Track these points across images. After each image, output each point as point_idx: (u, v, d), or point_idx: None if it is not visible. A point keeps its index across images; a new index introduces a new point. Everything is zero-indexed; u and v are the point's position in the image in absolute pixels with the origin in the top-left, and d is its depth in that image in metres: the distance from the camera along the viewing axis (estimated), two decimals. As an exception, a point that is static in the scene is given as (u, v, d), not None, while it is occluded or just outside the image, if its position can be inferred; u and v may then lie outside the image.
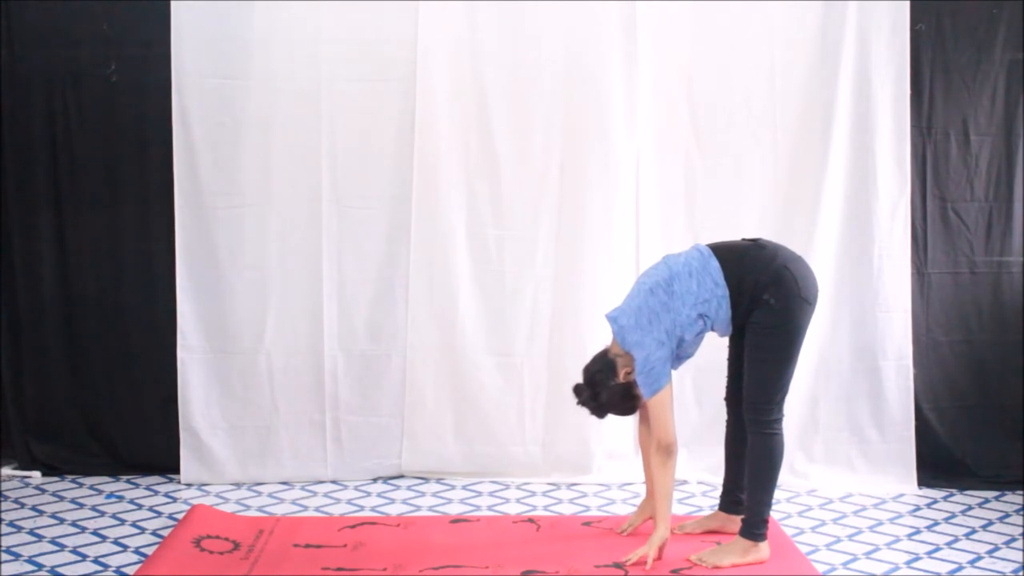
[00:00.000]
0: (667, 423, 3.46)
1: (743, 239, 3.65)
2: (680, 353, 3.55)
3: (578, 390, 3.58)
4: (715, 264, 3.48)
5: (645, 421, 3.68)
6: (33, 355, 4.68)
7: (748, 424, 3.51)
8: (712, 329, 3.55)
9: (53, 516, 4.08)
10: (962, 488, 4.46)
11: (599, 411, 3.60)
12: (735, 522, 3.61)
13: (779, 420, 3.49)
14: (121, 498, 4.32)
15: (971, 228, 4.61)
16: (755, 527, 3.49)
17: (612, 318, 3.54)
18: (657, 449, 3.47)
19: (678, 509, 4.18)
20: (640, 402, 3.58)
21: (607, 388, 3.53)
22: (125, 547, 3.74)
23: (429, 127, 4.54)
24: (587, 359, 3.64)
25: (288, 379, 4.58)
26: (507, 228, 4.60)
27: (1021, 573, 3.52)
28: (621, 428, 4.63)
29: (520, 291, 4.60)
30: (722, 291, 3.45)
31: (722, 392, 3.76)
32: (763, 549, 3.50)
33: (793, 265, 3.49)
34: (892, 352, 4.51)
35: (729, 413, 3.72)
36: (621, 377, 3.52)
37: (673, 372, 3.55)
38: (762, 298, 3.43)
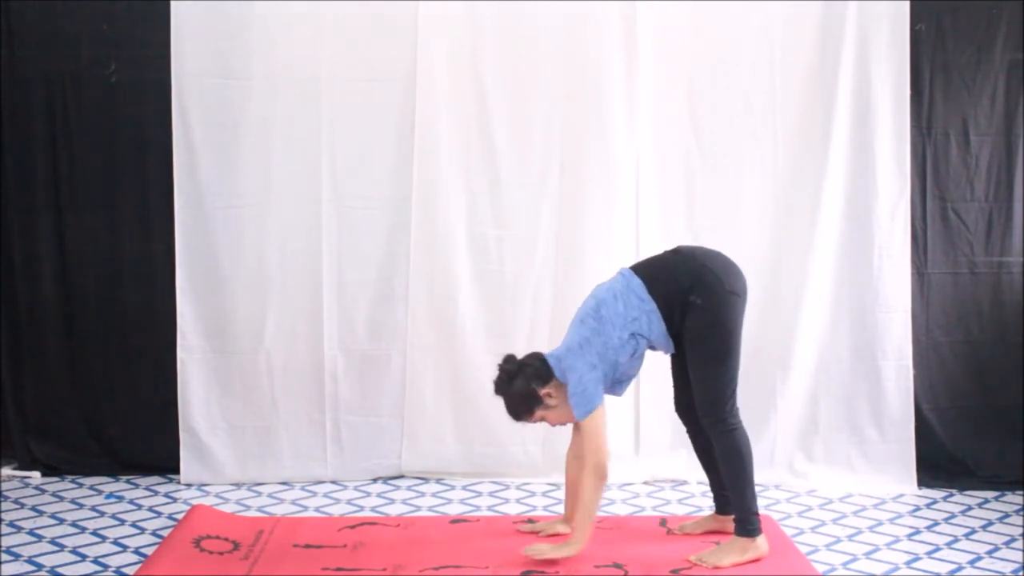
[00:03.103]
0: (601, 445, 3.44)
1: (664, 251, 3.67)
2: (619, 376, 3.56)
3: (508, 360, 3.57)
4: (637, 281, 3.50)
5: (575, 445, 3.68)
6: (33, 355, 4.68)
7: (707, 428, 3.53)
8: (653, 347, 3.56)
9: (53, 516, 4.08)
10: (962, 488, 4.46)
11: (501, 389, 3.56)
12: (731, 521, 3.61)
13: (735, 415, 3.50)
14: (121, 498, 4.32)
15: (971, 228, 4.62)
16: (747, 523, 3.50)
17: (550, 355, 3.56)
18: (592, 470, 3.43)
19: (678, 509, 4.19)
20: (532, 417, 3.56)
21: (525, 381, 3.50)
22: (125, 547, 3.74)
23: (429, 127, 4.54)
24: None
25: (288, 379, 4.58)
26: (507, 228, 4.60)
27: (1021, 573, 3.52)
28: (620, 428, 4.63)
29: (520, 291, 4.60)
30: (649, 305, 3.47)
31: None
32: (761, 544, 3.50)
33: (712, 262, 3.51)
34: (892, 352, 4.51)
35: (685, 423, 3.73)
36: (543, 390, 3.50)
37: (625, 394, 3.60)
38: (689, 301, 3.44)
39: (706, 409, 3.50)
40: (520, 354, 3.63)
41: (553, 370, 3.51)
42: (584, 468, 3.45)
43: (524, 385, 3.51)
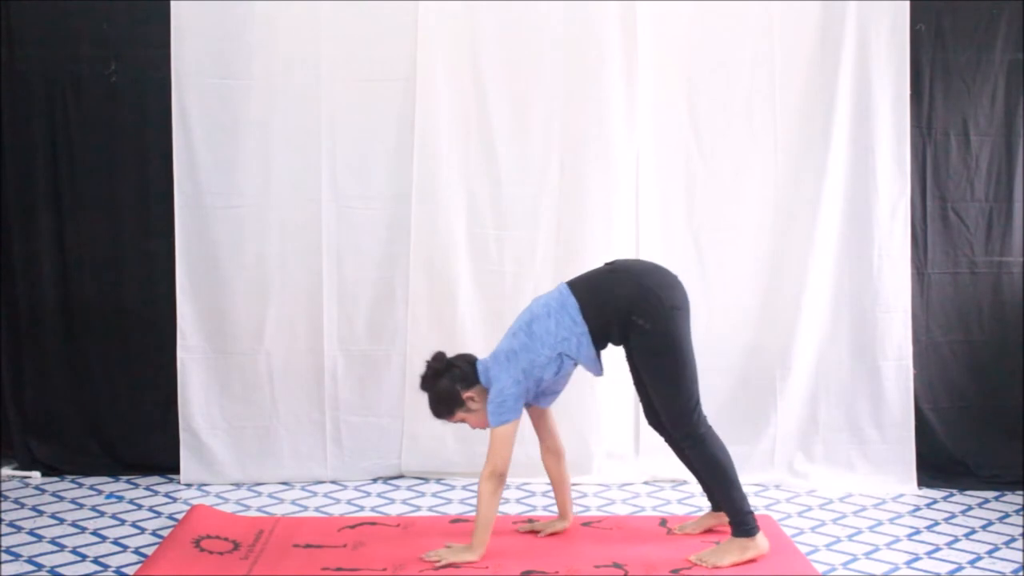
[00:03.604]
0: (505, 455, 3.48)
1: (604, 264, 3.67)
2: (544, 389, 3.59)
3: (437, 358, 3.58)
4: (572, 301, 3.49)
5: (543, 440, 3.76)
6: (33, 355, 4.68)
7: (679, 441, 3.56)
8: (583, 365, 3.55)
9: (53, 516, 4.08)
10: (962, 488, 4.46)
11: (425, 386, 3.57)
12: (729, 519, 3.63)
13: (703, 422, 3.51)
14: (121, 498, 4.32)
15: (971, 228, 4.62)
16: (742, 524, 3.50)
17: (481, 360, 3.58)
18: (489, 476, 3.47)
19: (678, 509, 4.19)
20: (452, 417, 3.59)
21: (450, 382, 3.52)
22: (125, 547, 3.74)
23: (429, 127, 4.54)
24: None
25: (288, 379, 4.58)
26: (507, 228, 4.60)
27: (1021, 573, 3.52)
28: (621, 428, 4.63)
29: (520, 291, 4.59)
30: (580, 328, 3.47)
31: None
32: (760, 541, 3.51)
33: (648, 279, 3.50)
34: (892, 352, 4.51)
35: (659, 432, 3.73)
36: (465, 393, 3.53)
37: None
38: (631, 321, 3.44)
39: (673, 423, 3.52)
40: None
41: (480, 375, 3.53)
42: (482, 473, 3.48)
43: (448, 385, 3.53)
